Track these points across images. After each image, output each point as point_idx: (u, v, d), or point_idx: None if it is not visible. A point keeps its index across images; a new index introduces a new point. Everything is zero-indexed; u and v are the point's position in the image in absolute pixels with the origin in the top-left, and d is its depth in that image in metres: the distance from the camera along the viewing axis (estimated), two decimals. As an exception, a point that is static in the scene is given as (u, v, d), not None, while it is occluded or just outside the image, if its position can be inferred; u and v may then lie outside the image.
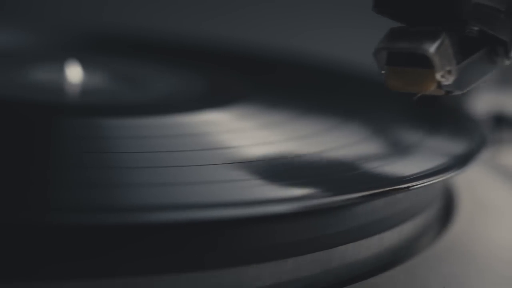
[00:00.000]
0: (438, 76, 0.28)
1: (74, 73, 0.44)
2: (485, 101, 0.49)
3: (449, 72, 0.28)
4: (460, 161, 0.33)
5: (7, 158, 0.30)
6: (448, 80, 0.28)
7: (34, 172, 0.28)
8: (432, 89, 0.28)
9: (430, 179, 0.31)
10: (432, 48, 0.27)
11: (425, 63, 0.28)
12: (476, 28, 0.29)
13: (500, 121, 0.49)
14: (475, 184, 0.42)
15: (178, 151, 0.32)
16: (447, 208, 0.38)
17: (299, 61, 0.51)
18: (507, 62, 0.31)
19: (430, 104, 0.39)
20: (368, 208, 0.30)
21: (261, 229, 0.27)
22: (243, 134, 0.35)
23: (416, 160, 0.34)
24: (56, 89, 0.43)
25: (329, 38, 0.77)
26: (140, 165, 0.30)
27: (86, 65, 0.45)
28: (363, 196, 0.28)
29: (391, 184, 0.30)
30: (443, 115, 0.42)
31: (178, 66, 0.50)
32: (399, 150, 0.35)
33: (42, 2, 0.77)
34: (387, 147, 0.37)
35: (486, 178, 0.43)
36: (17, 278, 0.25)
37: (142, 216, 0.25)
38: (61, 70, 0.45)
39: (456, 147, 0.36)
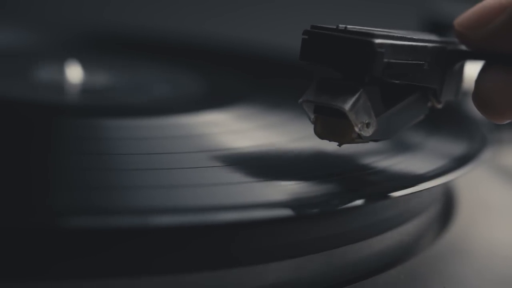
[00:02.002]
0: (356, 128, 0.29)
1: (74, 73, 0.44)
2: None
3: (368, 125, 0.29)
4: (461, 163, 0.33)
5: (7, 158, 0.30)
6: (367, 132, 0.29)
7: (34, 174, 0.28)
8: (353, 140, 0.29)
9: (431, 182, 0.31)
10: (347, 105, 0.28)
11: (346, 115, 0.29)
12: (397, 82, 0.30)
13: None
14: (475, 184, 0.42)
15: (179, 153, 0.32)
16: (447, 208, 0.38)
17: (299, 61, 0.51)
18: (439, 106, 0.32)
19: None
20: (368, 209, 0.30)
21: (262, 231, 0.27)
22: (243, 134, 0.35)
23: (417, 162, 0.34)
24: (56, 89, 0.43)
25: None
26: (141, 167, 0.30)
27: (86, 65, 0.45)
28: (363, 200, 0.29)
29: (392, 188, 0.30)
30: (444, 116, 0.42)
31: (179, 66, 0.50)
32: (400, 151, 0.35)
33: (43, 2, 0.77)
34: (388, 148, 0.37)
35: (486, 178, 0.43)
36: (17, 279, 0.25)
37: (141, 219, 0.25)
38: (61, 70, 0.45)
39: (457, 148, 0.36)
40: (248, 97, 0.41)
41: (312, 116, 0.30)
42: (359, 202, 0.28)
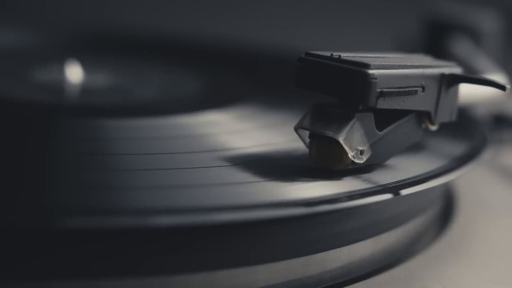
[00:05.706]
0: (350, 156, 0.29)
1: (74, 73, 0.44)
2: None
3: (362, 152, 0.29)
4: (462, 163, 0.34)
5: (6, 158, 0.30)
6: (361, 159, 0.30)
7: (33, 174, 0.28)
8: (347, 166, 0.29)
9: (431, 182, 0.31)
10: (340, 134, 0.29)
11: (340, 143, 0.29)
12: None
13: (500, 121, 0.49)
14: (475, 184, 0.42)
15: (178, 153, 0.32)
16: (447, 208, 0.38)
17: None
18: (433, 128, 0.32)
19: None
20: (368, 209, 0.30)
21: (261, 232, 0.27)
22: (243, 135, 0.35)
23: (417, 162, 0.34)
24: (56, 89, 0.43)
25: (329, 37, 0.77)
26: (140, 168, 0.30)
27: (86, 65, 0.45)
28: (363, 200, 0.29)
29: (393, 188, 0.30)
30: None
31: (178, 66, 0.50)
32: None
33: (43, 2, 0.77)
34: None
35: (486, 178, 0.43)
36: (13, 279, 0.25)
37: (141, 220, 0.25)
38: (61, 70, 0.45)
39: (457, 147, 0.36)
40: (248, 97, 0.41)
41: (307, 141, 0.30)
42: (358, 202, 0.28)
